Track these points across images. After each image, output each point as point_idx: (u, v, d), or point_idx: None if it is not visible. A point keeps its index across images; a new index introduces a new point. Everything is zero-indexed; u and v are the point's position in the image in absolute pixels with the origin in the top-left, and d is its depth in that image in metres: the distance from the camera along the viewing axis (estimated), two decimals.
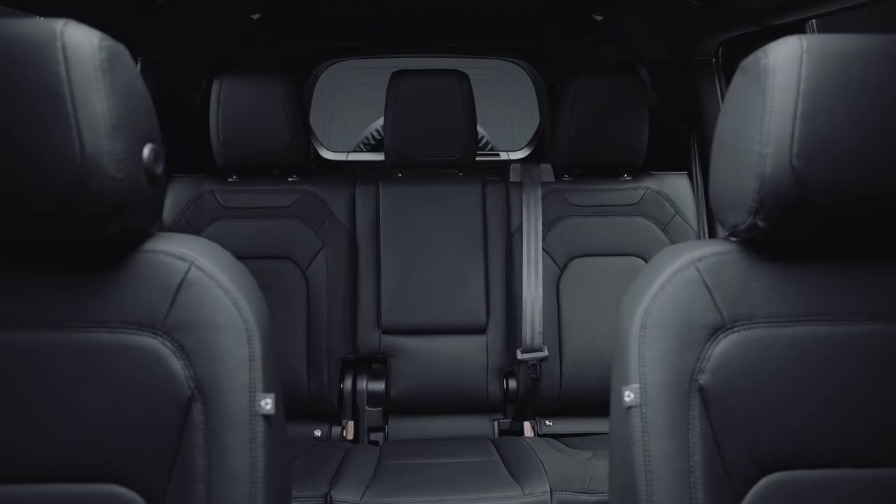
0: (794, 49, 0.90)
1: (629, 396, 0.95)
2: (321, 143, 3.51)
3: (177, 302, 0.91)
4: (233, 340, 0.91)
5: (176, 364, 0.90)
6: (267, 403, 0.91)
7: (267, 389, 0.92)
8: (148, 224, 0.96)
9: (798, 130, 0.88)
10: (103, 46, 0.84)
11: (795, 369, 0.96)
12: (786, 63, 0.89)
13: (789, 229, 0.94)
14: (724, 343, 0.96)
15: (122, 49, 0.89)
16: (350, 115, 4.12)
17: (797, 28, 1.78)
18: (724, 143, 1.00)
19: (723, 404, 0.95)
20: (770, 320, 0.97)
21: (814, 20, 1.75)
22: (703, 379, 0.95)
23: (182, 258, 0.93)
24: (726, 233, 1.04)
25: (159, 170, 0.94)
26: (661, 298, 0.97)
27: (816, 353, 0.96)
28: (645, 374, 0.95)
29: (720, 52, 2.21)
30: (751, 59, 0.95)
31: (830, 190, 0.90)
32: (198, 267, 0.93)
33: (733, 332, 0.96)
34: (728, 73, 2.24)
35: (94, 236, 0.88)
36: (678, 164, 2.39)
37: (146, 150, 0.90)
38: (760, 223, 0.93)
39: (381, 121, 3.58)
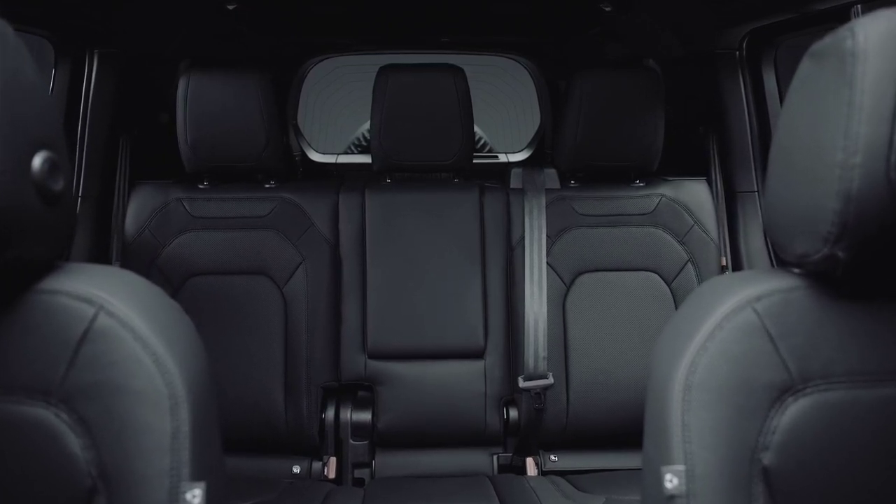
0: (892, 25, 0.68)
1: (672, 482, 0.73)
2: (309, 145, 3.31)
3: (78, 360, 0.70)
4: (151, 411, 0.70)
5: (74, 443, 0.69)
6: (195, 496, 0.69)
7: (196, 477, 0.70)
8: (45, 256, 0.74)
9: None
10: None
11: (885, 442, 0.74)
12: (882, 44, 0.68)
13: (879, 262, 0.73)
14: (794, 409, 0.74)
15: None
16: (346, 115, 4.01)
17: (839, 15, 1.57)
18: (789, 150, 0.78)
19: (793, 490, 0.73)
20: (851, 379, 0.75)
21: (859, 5, 1.54)
22: (767, 458, 0.73)
23: (88, 300, 0.72)
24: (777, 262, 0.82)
25: (59, 185, 0.72)
26: (711, 351, 0.76)
27: None
28: (692, 451, 0.73)
29: (745, 45, 1.99)
30: (828, 41, 0.74)
31: None
32: (108, 312, 0.71)
33: (805, 394, 0.75)
34: (753, 67, 2.03)
35: None
36: (693, 169, 2.18)
37: (37, 160, 0.69)
38: (841, 254, 0.72)
39: None
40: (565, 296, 2.01)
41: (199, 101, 1.96)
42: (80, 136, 1.97)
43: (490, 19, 2.72)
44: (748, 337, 0.76)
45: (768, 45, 2.00)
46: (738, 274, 0.85)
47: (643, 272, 2.02)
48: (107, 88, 1.98)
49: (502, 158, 3.42)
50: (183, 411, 0.71)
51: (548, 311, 1.96)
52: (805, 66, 0.78)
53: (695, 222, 2.04)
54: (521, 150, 3.43)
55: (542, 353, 1.94)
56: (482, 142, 3.71)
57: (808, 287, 0.78)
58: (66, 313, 0.71)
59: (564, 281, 2.01)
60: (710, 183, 2.12)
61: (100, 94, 1.97)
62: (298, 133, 3.25)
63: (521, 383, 1.94)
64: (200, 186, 2.05)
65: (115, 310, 0.72)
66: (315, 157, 3.33)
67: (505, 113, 4.14)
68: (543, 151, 3.25)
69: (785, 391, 0.75)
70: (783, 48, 2.00)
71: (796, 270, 0.81)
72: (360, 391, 2.05)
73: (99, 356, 0.70)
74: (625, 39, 2.49)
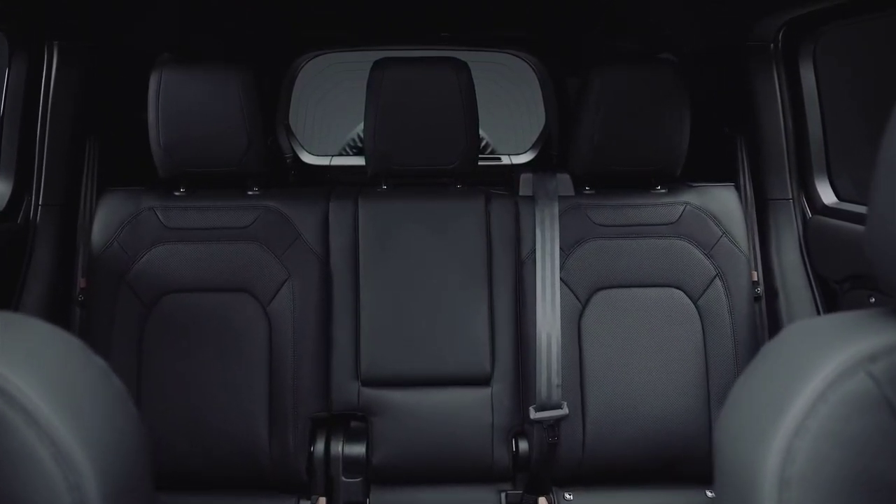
0: None
1: None
2: (302, 146, 3.18)
3: None
4: None
5: None
6: None
7: None
8: None
9: None
10: None
11: None
12: None
13: None
14: None
15: None
16: (341, 114, 3.95)
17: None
18: None
19: None
20: None
21: None
22: None
23: None
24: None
25: None
26: (813, 432, 0.56)
27: None
28: None
29: (780, 36, 1.81)
30: None
31: None
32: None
33: None
34: (789, 61, 1.85)
35: None
36: (717, 173, 2.00)
37: None
38: None
39: None
40: (581, 315, 1.84)
41: (173, 100, 1.80)
42: (39, 138, 1.81)
43: (493, 13, 2.58)
44: (864, 413, 0.56)
45: (807, 37, 1.81)
46: (834, 318, 0.65)
47: (666, 288, 1.85)
48: (70, 85, 1.82)
49: (505, 160, 3.32)
50: None
51: (561, 333, 1.80)
52: None
53: (723, 233, 1.87)
54: (526, 152, 3.33)
55: (556, 379, 1.77)
56: (484, 142, 3.63)
57: None
58: None
59: (580, 298, 1.84)
60: (738, 189, 1.95)
61: (62, 91, 1.81)
62: (290, 134, 3.14)
63: (533, 414, 1.77)
64: (176, 194, 1.90)
65: (10, 386, 0.52)
66: (308, 158, 3.21)
67: (507, 111, 4.05)
68: (549, 153, 3.14)
69: None
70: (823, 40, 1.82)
71: None
72: (353, 422, 1.89)
73: None
74: (641, 32, 2.32)
